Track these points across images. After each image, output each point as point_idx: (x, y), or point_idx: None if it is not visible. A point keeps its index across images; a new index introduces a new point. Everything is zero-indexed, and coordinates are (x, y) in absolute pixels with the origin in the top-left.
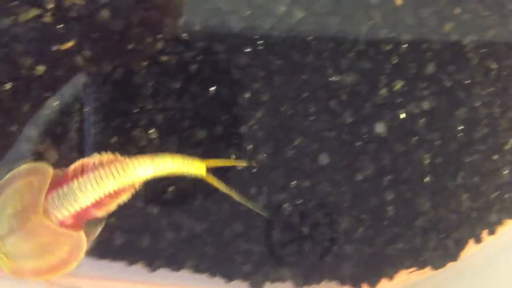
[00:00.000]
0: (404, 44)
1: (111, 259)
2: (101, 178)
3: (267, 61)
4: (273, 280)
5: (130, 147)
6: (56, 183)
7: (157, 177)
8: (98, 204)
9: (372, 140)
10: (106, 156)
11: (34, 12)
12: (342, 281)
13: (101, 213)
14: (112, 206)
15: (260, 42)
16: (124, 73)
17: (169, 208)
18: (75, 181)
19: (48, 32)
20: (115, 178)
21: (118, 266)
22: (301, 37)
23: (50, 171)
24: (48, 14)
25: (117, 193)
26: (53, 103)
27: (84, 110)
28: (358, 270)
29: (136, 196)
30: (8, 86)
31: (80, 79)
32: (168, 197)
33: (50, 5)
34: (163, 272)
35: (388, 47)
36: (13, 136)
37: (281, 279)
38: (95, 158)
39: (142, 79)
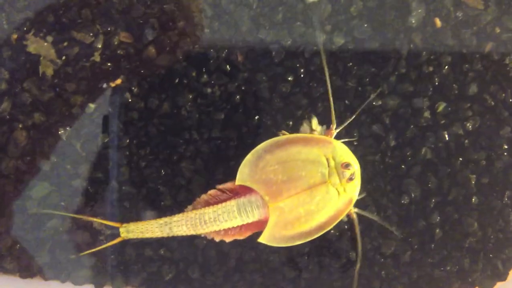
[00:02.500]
0: (446, 66)
1: None
2: None
3: (310, 88)
4: None
5: (178, 179)
6: None
7: None
8: None
9: (417, 163)
10: None
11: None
12: None
13: None
14: None
15: (302, 70)
16: (170, 106)
17: None
18: None
19: (98, 70)
20: None
21: None
22: (342, 63)
23: None
24: (97, 53)
25: None
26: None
27: (133, 144)
28: None
29: None
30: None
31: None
32: None
33: (99, 45)
34: None
35: (430, 69)
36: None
37: None
38: None
39: (188, 111)
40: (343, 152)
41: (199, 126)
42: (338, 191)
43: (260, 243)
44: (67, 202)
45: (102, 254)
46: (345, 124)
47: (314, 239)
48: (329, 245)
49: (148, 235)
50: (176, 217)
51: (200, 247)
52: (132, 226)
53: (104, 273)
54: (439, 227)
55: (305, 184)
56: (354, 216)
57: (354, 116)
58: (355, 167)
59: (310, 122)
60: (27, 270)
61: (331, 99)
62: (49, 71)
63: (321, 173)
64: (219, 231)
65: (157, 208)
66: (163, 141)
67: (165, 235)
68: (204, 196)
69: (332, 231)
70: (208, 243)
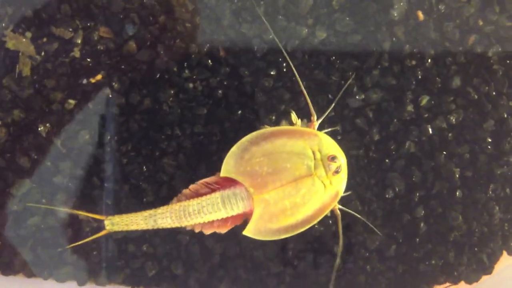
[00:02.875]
0: (429, 59)
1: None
2: None
3: (292, 82)
4: None
5: (160, 175)
6: None
7: None
8: None
9: (401, 157)
10: None
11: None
12: None
13: None
14: None
15: (284, 64)
16: (152, 102)
17: None
18: None
19: (77, 66)
20: None
21: None
22: (324, 57)
23: None
24: (77, 48)
25: None
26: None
27: (114, 140)
28: None
29: None
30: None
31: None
32: None
33: (78, 40)
34: None
35: (413, 63)
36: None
37: None
38: None
39: (170, 107)
40: (329, 145)
41: (181, 122)
42: (324, 184)
43: (245, 238)
44: (48, 199)
45: (85, 251)
46: (325, 115)
47: (299, 234)
48: (314, 240)
49: (133, 227)
50: (161, 209)
51: (183, 243)
52: (117, 218)
53: (87, 270)
54: (423, 221)
55: (290, 176)
56: (338, 212)
57: (332, 106)
58: (342, 160)
59: (290, 117)
60: (9, 268)
61: (304, 90)
62: (28, 68)
63: (307, 166)
64: (204, 223)
65: (140, 205)
66: (145, 137)
67: (150, 227)
68: (188, 189)
69: (316, 226)
70: (191, 239)
